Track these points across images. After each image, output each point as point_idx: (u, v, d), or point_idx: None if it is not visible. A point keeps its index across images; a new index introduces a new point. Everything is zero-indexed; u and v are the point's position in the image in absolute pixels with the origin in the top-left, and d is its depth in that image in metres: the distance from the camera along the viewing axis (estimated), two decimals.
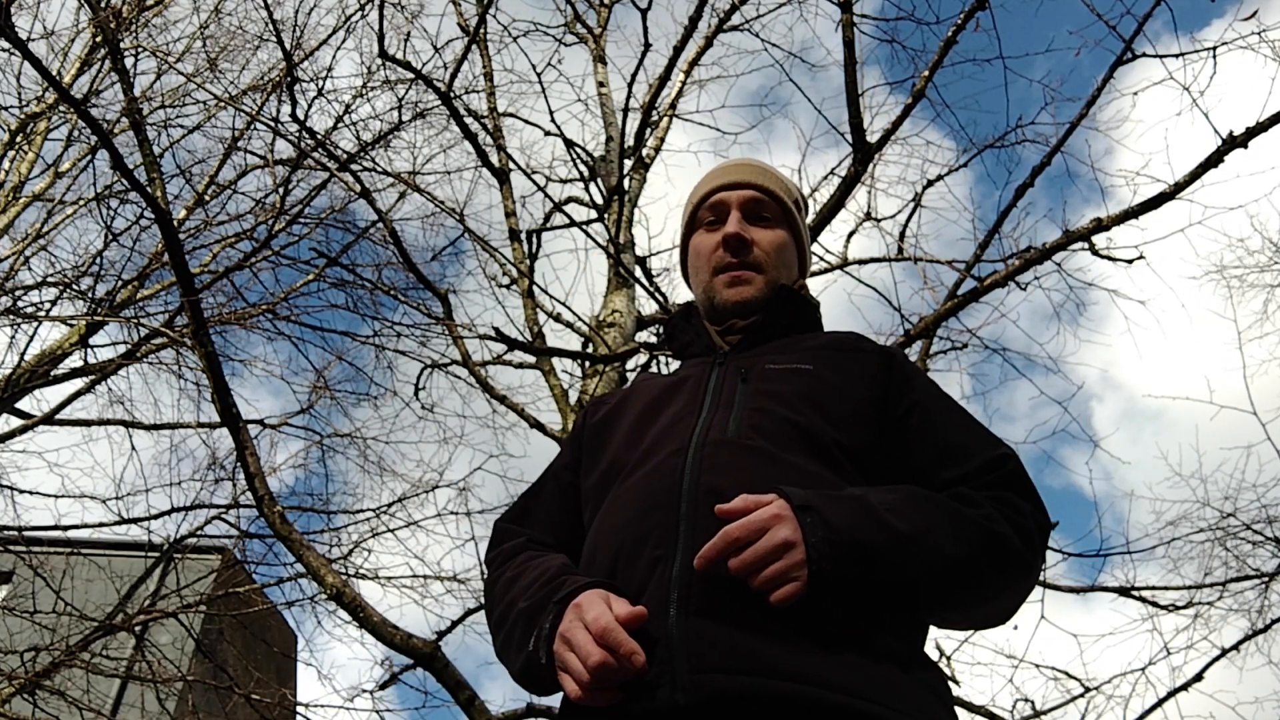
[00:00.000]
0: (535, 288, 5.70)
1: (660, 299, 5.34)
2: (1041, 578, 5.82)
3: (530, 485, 1.51)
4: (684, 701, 0.99)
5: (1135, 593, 5.95)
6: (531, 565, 1.27)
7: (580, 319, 5.66)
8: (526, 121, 7.38)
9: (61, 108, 8.65)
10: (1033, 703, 5.64)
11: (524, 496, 1.50)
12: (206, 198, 8.50)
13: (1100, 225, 4.60)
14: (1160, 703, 5.41)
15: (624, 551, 1.16)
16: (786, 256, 1.53)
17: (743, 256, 1.48)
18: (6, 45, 7.12)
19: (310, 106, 8.60)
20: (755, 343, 1.45)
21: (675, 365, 1.61)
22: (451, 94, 5.58)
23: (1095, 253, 5.06)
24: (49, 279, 8.24)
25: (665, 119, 7.33)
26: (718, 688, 0.99)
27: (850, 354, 1.39)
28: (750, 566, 1.04)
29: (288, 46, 5.24)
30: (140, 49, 6.93)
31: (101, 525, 7.59)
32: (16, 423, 8.09)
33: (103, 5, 5.40)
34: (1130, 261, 5.11)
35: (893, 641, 1.07)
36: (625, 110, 6.66)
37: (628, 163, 6.77)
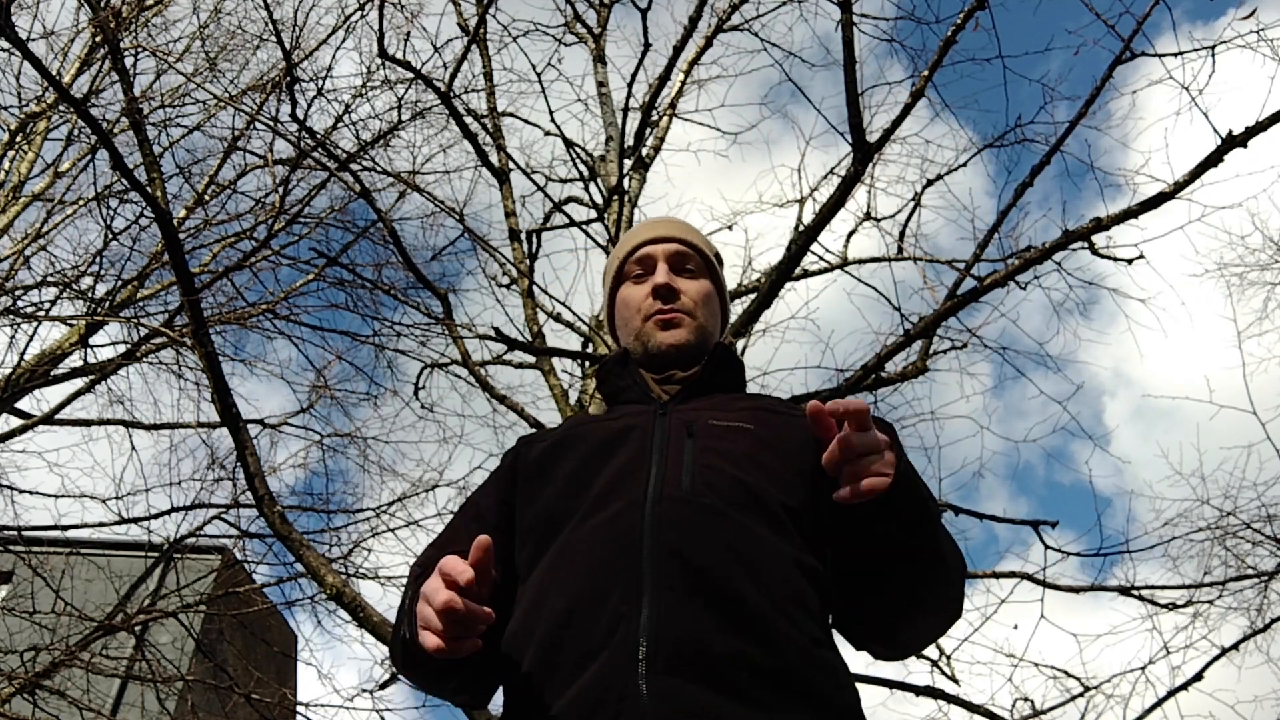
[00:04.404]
0: (535, 288, 5.70)
1: None
2: (1042, 577, 5.82)
3: (445, 529, 1.46)
4: None
5: (1135, 592, 5.94)
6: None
7: (580, 319, 5.67)
8: (526, 121, 7.39)
9: (61, 107, 8.65)
10: (1032, 702, 5.64)
11: (443, 535, 1.44)
12: (206, 197, 8.50)
13: (1100, 225, 4.60)
14: (1160, 702, 5.41)
15: (581, 604, 1.14)
16: (712, 306, 1.60)
17: (672, 303, 1.54)
18: (6, 45, 7.12)
19: (310, 106, 8.61)
20: (693, 395, 1.47)
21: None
22: (451, 94, 5.58)
23: (1095, 252, 5.07)
24: (49, 279, 8.24)
25: (665, 118, 7.33)
26: None
27: (782, 417, 1.42)
28: (863, 446, 1.10)
29: (287, 46, 5.24)
30: (140, 49, 6.92)
31: (101, 525, 7.59)
32: (16, 423, 8.10)
33: (103, 5, 5.40)
34: (1130, 261, 5.12)
35: (844, 702, 1.12)
36: (625, 110, 6.67)
37: (627, 162, 6.77)
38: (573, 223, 6.31)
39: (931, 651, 5.77)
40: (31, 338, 7.46)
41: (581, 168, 6.93)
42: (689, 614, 1.09)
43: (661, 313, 1.53)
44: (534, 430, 1.54)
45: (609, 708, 1.03)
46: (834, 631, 1.28)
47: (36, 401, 8.18)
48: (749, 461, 1.30)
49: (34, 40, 8.25)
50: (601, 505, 1.25)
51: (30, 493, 7.69)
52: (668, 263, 1.57)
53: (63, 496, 7.75)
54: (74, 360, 8.26)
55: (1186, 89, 4.71)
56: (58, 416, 8.22)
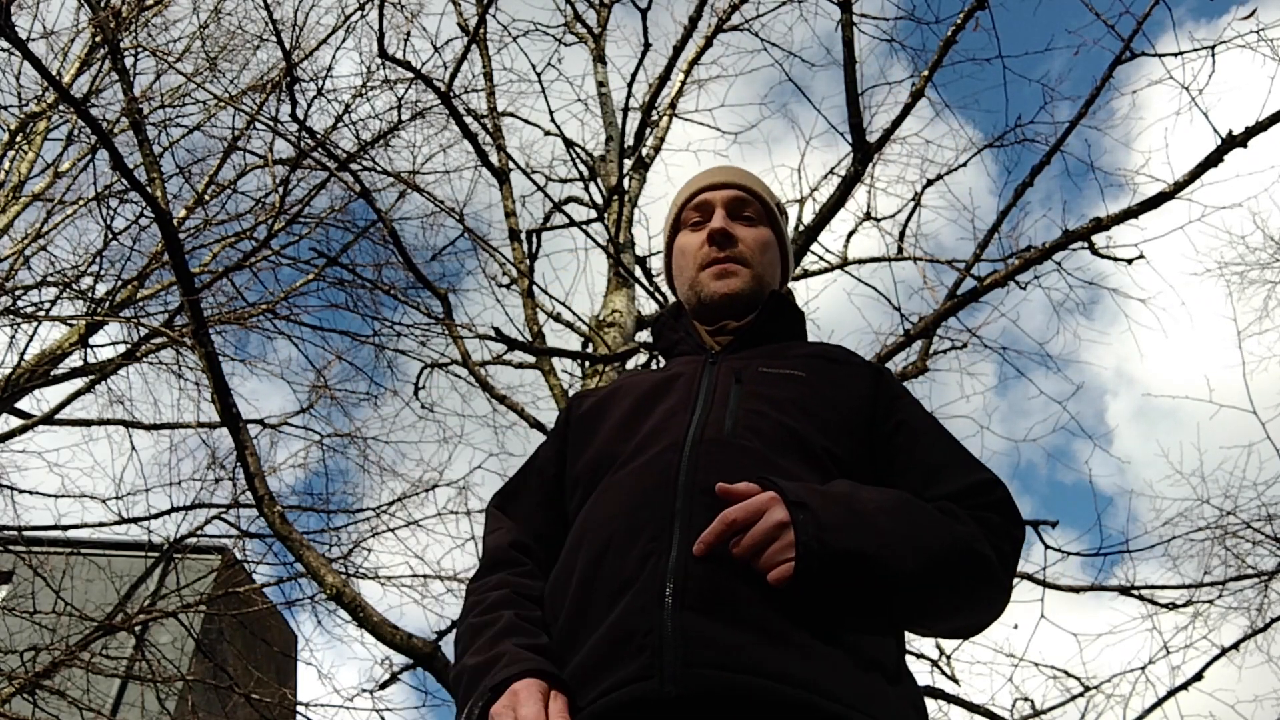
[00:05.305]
0: (535, 288, 5.69)
1: (660, 299, 5.34)
2: (1041, 576, 5.82)
3: (515, 473, 1.50)
4: (674, 694, 1.00)
5: (1135, 591, 5.93)
6: (494, 614, 1.21)
7: (580, 319, 5.66)
8: (526, 121, 7.38)
9: (61, 107, 8.65)
10: (1032, 702, 5.64)
11: (512, 482, 1.48)
12: (206, 197, 8.49)
13: (1100, 225, 4.60)
14: (1160, 702, 5.40)
15: (615, 542, 1.15)
16: (770, 255, 1.55)
17: (729, 250, 1.50)
18: (6, 45, 7.12)
19: (310, 106, 8.61)
20: (745, 345, 1.46)
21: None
22: (451, 94, 5.57)
23: (1095, 252, 5.05)
24: (49, 279, 8.24)
25: (665, 118, 7.33)
26: (708, 683, 1.00)
27: (841, 366, 1.41)
28: (751, 549, 1.06)
29: (287, 46, 5.24)
30: (140, 49, 6.92)
31: (101, 525, 7.59)
32: (16, 423, 8.09)
33: (103, 5, 5.40)
34: (1130, 261, 5.11)
35: (879, 652, 1.09)
36: (625, 110, 6.67)
37: (627, 162, 6.76)
38: (573, 223, 6.29)
39: (931, 651, 5.77)
40: (31, 338, 7.46)
41: (581, 168, 6.92)
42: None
43: (717, 260, 1.50)
44: (580, 395, 1.52)
45: (634, 643, 1.04)
46: None
47: (36, 401, 8.20)
48: (797, 408, 1.29)
49: (34, 40, 8.25)
50: (644, 449, 1.26)
51: (30, 493, 7.70)
52: (725, 209, 1.54)
53: (63, 496, 7.75)
54: (74, 360, 8.27)
55: (1186, 89, 4.70)
56: (58, 416, 8.22)
